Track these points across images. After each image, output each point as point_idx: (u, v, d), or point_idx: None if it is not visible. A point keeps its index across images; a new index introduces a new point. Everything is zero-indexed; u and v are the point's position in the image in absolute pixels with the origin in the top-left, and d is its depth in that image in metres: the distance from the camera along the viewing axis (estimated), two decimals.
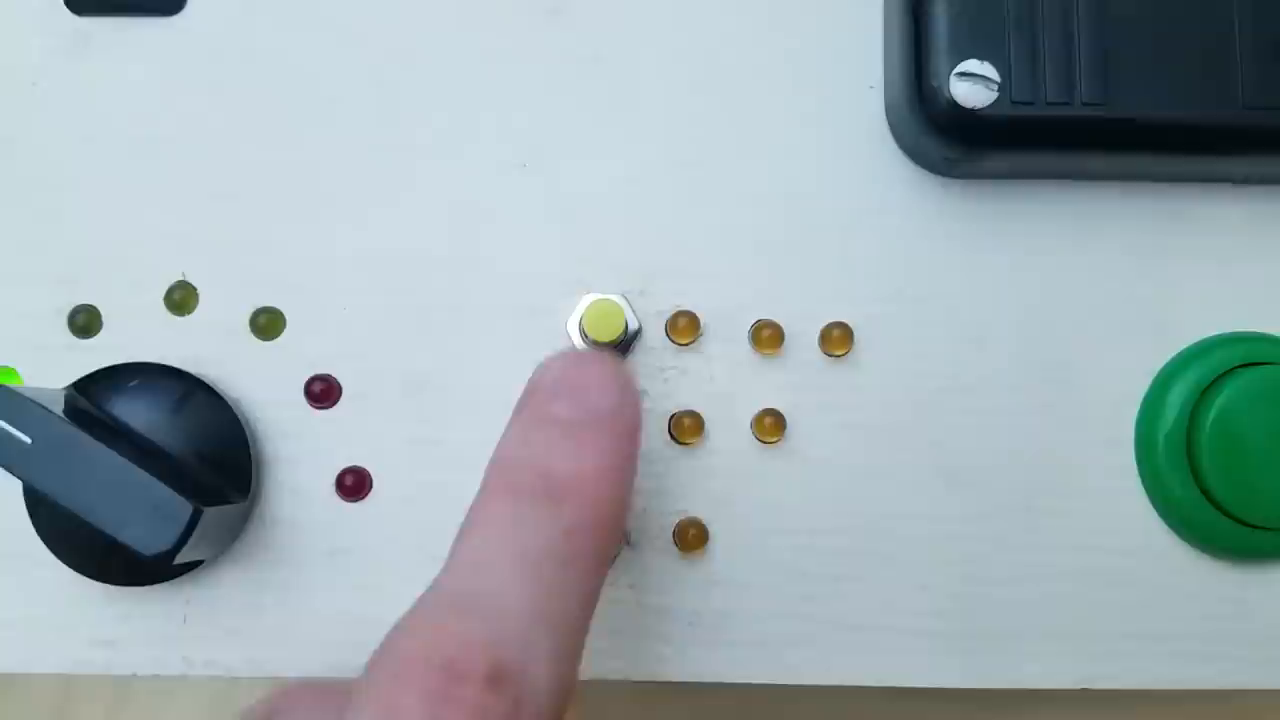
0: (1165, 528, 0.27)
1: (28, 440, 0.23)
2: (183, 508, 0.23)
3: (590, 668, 0.27)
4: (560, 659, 0.19)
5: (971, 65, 0.25)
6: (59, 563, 0.26)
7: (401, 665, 0.18)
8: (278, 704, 0.21)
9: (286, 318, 0.27)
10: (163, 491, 0.23)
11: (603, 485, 0.20)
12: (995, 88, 0.25)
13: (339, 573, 0.27)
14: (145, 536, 0.23)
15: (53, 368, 0.27)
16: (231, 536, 0.26)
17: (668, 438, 0.27)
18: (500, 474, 0.21)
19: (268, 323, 0.27)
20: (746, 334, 0.27)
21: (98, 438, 0.24)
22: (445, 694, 0.17)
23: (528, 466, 0.21)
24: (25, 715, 0.58)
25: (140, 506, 0.23)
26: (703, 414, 0.27)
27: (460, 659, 0.18)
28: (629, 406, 0.21)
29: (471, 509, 0.20)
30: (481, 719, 0.17)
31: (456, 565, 0.20)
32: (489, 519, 0.20)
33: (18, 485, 0.26)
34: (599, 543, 0.20)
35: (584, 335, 0.27)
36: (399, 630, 0.19)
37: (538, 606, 0.19)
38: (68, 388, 0.26)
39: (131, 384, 0.26)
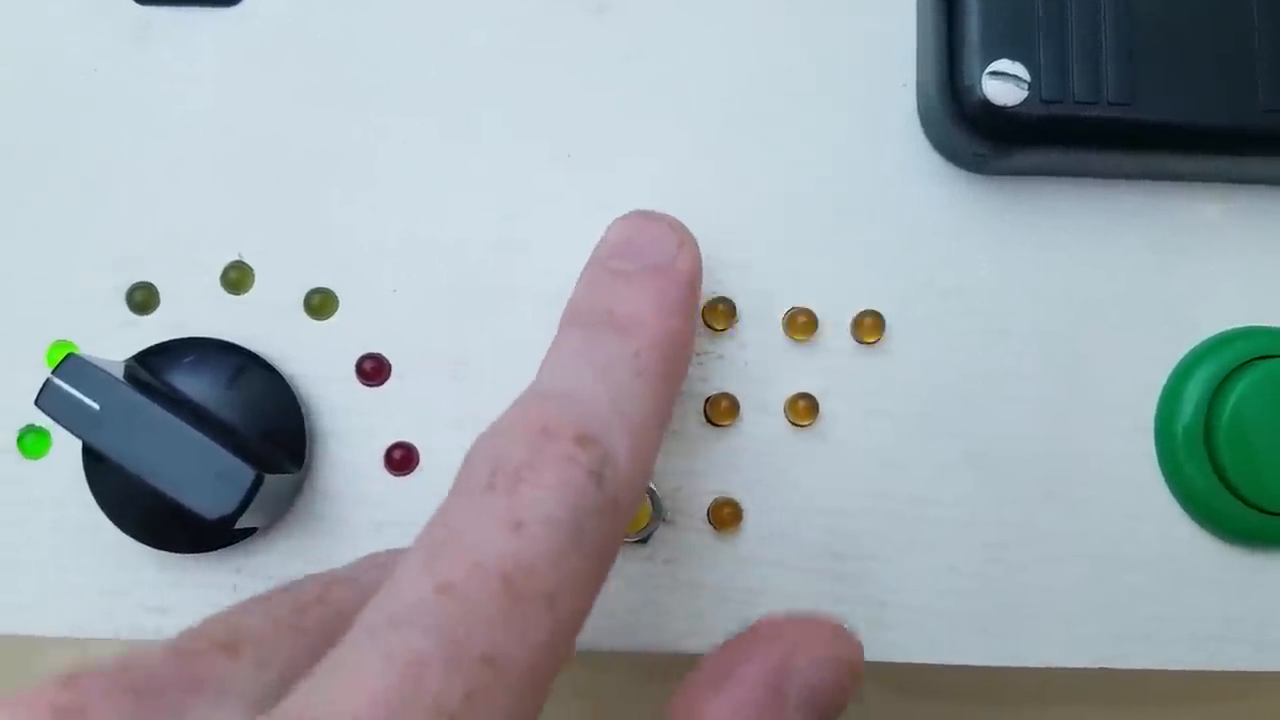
0: (1184, 514, 0.28)
1: (96, 406, 0.24)
2: (245, 473, 0.24)
3: (624, 639, 0.28)
4: (636, 452, 0.21)
5: (1003, 65, 0.26)
6: (114, 529, 0.27)
7: (502, 428, 0.20)
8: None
9: (339, 298, 0.28)
10: (225, 457, 0.24)
11: (661, 320, 0.23)
12: (1026, 87, 0.26)
13: (386, 544, 0.28)
14: (208, 501, 0.24)
15: (111, 344, 0.28)
16: (284, 507, 0.27)
17: (703, 419, 0.28)
18: (572, 316, 0.24)
19: (321, 303, 0.28)
20: (781, 321, 0.28)
21: (160, 405, 0.25)
22: (541, 443, 0.20)
23: (594, 307, 0.23)
24: None
25: (204, 472, 0.24)
26: (737, 396, 0.28)
27: (552, 424, 0.20)
28: (684, 257, 0.25)
29: (550, 348, 0.23)
30: (573, 465, 0.20)
31: (539, 378, 0.22)
32: (565, 344, 0.23)
33: (75, 450, 0.27)
34: (665, 364, 0.23)
35: None
36: (498, 418, 0.21)
37: (616, 404, 0.21)
38: (128, 360, 0.27)
39: (189, 358, 0.27)
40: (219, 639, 0.19)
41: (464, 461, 0.20)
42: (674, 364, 0.23)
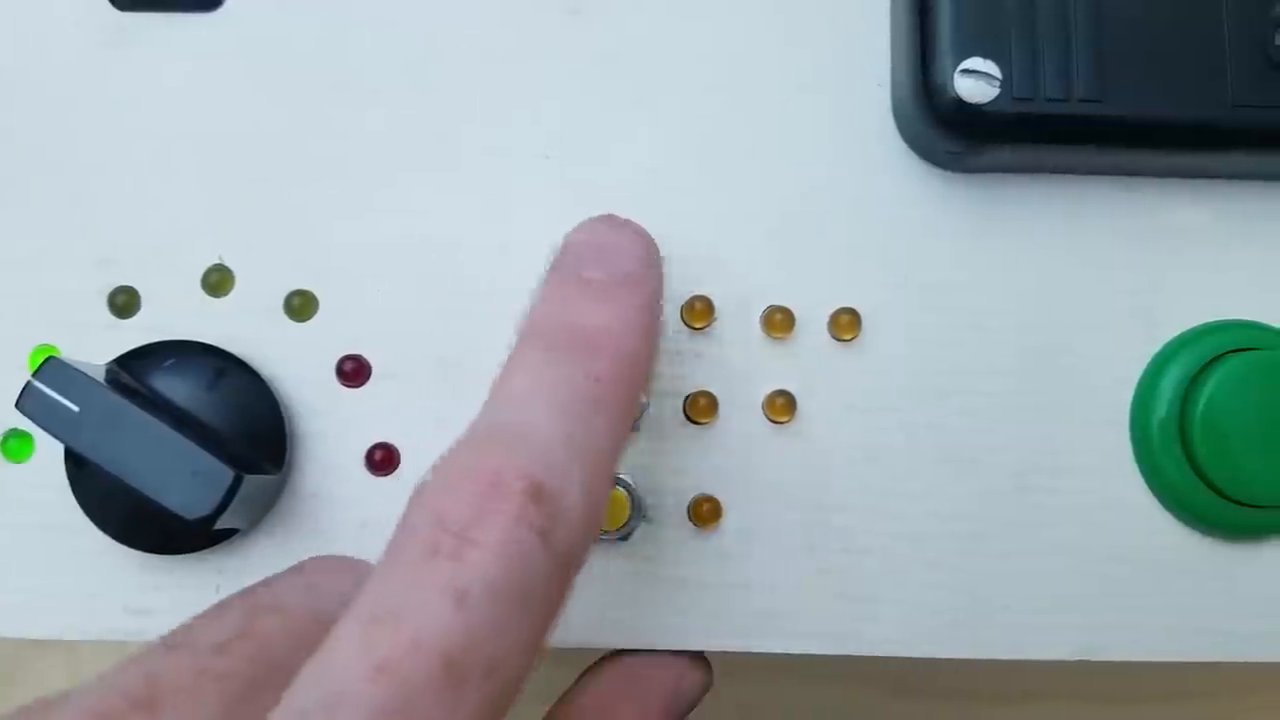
0: (1159, 506, 0.28)
1: (75, 409, 0.24)
2: (224, 474, 0.24)
3: (605, 637, 0.28)
4: (591, 493, 0.20)
5: (975, 63, 0.27)
6: (96, 531, 0.27)
7: (447, 479, 0.19)
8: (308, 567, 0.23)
9: (319, 300, 0.28)
10: (204, 458, 0.24)
11: (625, 340, 0.22)
12: (997, 84, 0.27)
13: (368, 544, 0.28)
14: (187, 501, 0.24)
15: (93, 347, 0.28)
16: (266, 508, 0.27)
17: (683, 417, 0.28)
18: (533, 328, 0.22)
19: (301, 304, 0.28)
20: (759, 319, 0.29)
21: (140, 407, 0.25)
22: (489, 499, 0.18)
23: (558, 321, 0.22)
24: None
25: (183, 472, 0.24)
26: (716, 394, 0.28)
27: (503, 474, 0.19)
28: (652, 272, 0.24)
29: (507, 360, 0.22)
30: (521, 525, 0.18)
31: (493, 404, 0.21)
32: (523, 365, 0.22)
33: (58, 453, 0.27)
34: (627, 394, 0.22)
35: None
36: (443, 457, 0.20)
37: (573, 441, 0.20)
38: (109, 363, 0.27)
39: (169, 360, 0.27)
40: (135, 694, 0.18)
41: (405, 515, 0.19)
42: (634, 394, 0.22)
